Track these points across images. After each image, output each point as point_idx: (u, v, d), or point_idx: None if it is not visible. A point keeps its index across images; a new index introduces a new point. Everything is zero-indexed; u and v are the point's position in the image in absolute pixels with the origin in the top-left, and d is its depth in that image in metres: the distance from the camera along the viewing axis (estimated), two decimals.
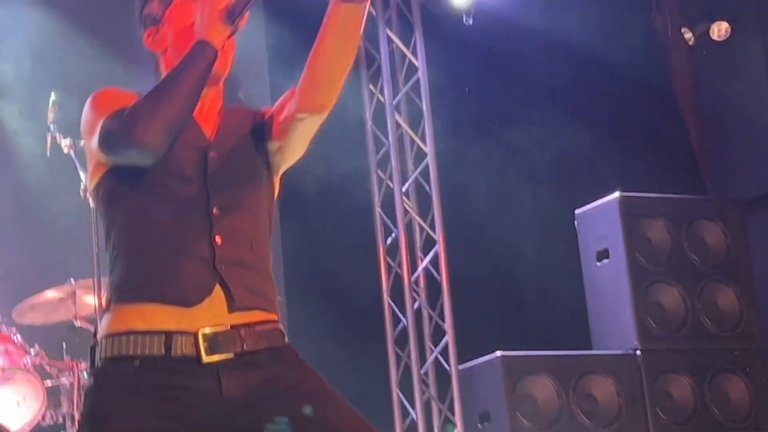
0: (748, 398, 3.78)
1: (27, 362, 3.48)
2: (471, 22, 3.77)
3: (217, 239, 1.32)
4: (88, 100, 1.42)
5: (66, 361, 3.48)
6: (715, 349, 3.79)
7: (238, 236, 1.37)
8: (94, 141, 1.35)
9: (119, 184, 1.37)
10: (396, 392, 3.77)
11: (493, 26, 3.87)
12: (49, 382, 3.48)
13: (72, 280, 3.44)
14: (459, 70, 3.93)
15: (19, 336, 3.48)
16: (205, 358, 1.31)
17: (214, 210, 1.34)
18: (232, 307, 1.32)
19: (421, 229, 3.83)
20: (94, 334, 1.41)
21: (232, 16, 1.35)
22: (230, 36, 1.36)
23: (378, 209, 3.84)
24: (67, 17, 3.73)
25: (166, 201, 1.36)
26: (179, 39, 1.43)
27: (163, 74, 1.47)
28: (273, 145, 1.40)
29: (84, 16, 3.74)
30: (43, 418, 3.46)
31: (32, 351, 3.50)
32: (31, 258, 3.69)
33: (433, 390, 3.77)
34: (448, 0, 3.76)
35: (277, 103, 1.46)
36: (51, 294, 3.52)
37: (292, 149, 1.40)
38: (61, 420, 3.48)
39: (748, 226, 4.06)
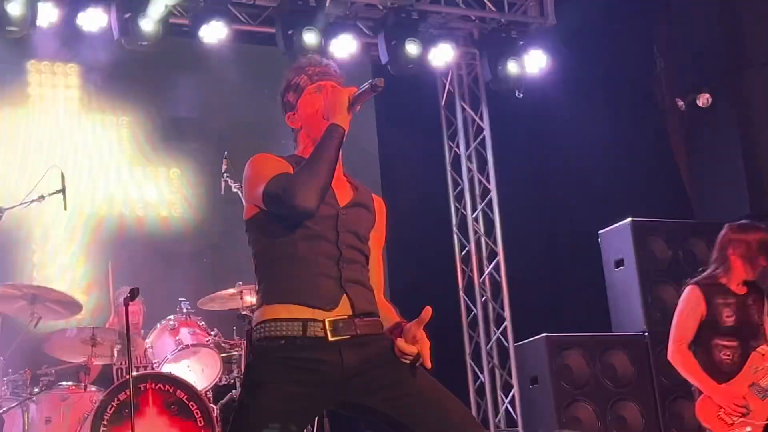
0: None
1: (209, 340, 4.45)
2: (521, 95, 5.07)
3: (343, 265, 1.63)
4: (250, 162, 1.72)
5: (236, 340, 4.47)
6: None
7: (355, 264, 1.68)
8: (257, 193, 1.63)
9: (270, 222, 1.66)
10: (469, 362, 5.06)
11: (536, 99, 5.09)
12: (224, 355, 4.44)
13: (240, 283, 4.56)
14: (513, 131, 5.20)
15: (203, 322, 4.47)
16: (330, 338, 1.58)
17: (341, 246, 1.64)
18: (352, 309, 1.62)
19: (486, 244, 5.12)
20: (250, 323, 1.71)
21: (353, 105, 1.64)
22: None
23: (455, 230, 5.19)
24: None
25: (307, 237, 1.63)
26: (309, 121, 1.74)
27: (300, 145, 1.79)
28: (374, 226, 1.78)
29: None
30: (219, 380, 4.41)
31: (212, 332, 4.48)
32: (209, 267, 4.89)
33: (496, 360, 5.01)
34: (505, 79, 5.05)
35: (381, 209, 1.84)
36: (225, 292, 4.45)
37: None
38: (232, 381, 4.45)
39: None
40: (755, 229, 3.57)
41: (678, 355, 3.41)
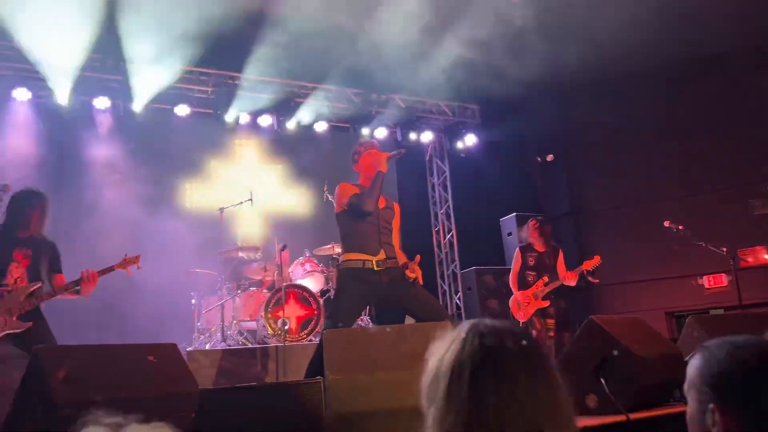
0: None
1: (318, 269, 7.10)
2: (464, 155, 10.19)
3: (381, 235, 3.83)
4: (339, 186, 3.87)
5: (331, 269, 7.20)
6: None
7: (386, 235, 3.84)
8: (344, 201, 3.77)
9: (348, 215, 3.75)
10: (438, 281, 10.04)
11: (470, 156, 10.23)
12: (324, 275, 7.17)
13: (333, 243, 7.34)
14: (461, 172, 10.19)
15: (315, 260, 7.21)
16: (375, 269, 3.66)
17: (380, 226, 3.81)
18: (385, 255, 3.73)
19: (447, 224, 10.25)
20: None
21: (388, 161, 3.85)
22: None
23: (432, 219, 10.19)
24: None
25: (365, 222, 3.76)
26: (365, 169, 3.89)
27: (361, 181, 3.87)
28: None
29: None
30: (322, 288, 7.03)
31: (320, 265, 7.15)
32: (319, 234, 9.49)
33: (451, 279, 10.11)
34: (456, 147, 10.18)
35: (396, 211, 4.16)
36: (326, 246, 7.42)
37: None
38: (327, 288, 7.20)
39: (560, 227, 10.33)
40: (535, 220, 6.54)
41: (512, 277, 6.35)
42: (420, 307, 3.76)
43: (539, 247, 6.41)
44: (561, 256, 6.49)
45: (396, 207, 4.22)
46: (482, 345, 1.00)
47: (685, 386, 1.22)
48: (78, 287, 4.07)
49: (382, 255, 3.85)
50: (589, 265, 6.19)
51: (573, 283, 6.25)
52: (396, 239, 4.10)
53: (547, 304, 6.23)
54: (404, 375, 2.60)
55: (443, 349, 1.04)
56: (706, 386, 1.16)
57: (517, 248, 6.47)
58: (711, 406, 1.14)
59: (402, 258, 4.00)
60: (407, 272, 3.79)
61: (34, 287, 4.04)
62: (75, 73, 7.55)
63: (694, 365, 1.21)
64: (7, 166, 7.32)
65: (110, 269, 4.26)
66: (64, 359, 2.37)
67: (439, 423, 0.99)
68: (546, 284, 6.20)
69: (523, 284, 6.33)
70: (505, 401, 0.94)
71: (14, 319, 3.93)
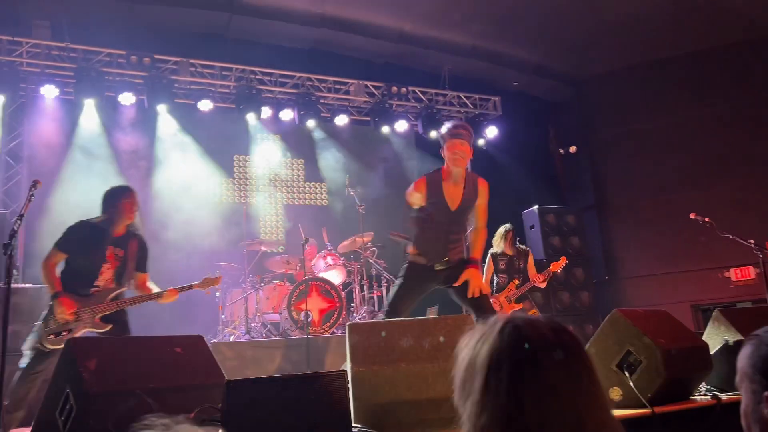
0: None
1: (339, 262, 7.65)
2: (485, 148, 10.16)
3: (450, 236, 4.00)
4: (415, 184, 4.04)
5: (353, 262, 9.21)
6: None
7: (457, 233, 4.01)
8: (411, 208, 4.03)
9: (417, 212, 3.98)
10: None
11: (490, 148, 10.21)
12: (347, 269, 8.94)
13: (356, 236, 9.32)
14: (483, 166, 10.26)
15: (337, 253, 7.82)
16: (437, 269, 3.99)
17: (450, 230, 4.00)
18: (448, 258, 3.99)
19: None
20: (405, 250, 4.11)
21: None
22: None
23: None
24: None
25: (434, 221, 3.94)
26: (447, 158, 3.96)
27: (444, 168, 3.99)
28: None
29: None
30: (344, 281, 7.87)
31: (342, 258, 7.66)
32: (336, 231, 9.67)
33: None
34: (480, 141, 10.14)
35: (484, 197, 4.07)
36: (346, 241, 9.13)
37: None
38: (350, 281, 8.55)
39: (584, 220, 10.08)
40: (505, 229, 6.63)
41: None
42: (467, 299, 3.95)
43: (509, 251, 6.56)
44: (531, 258, 6.63)
45: (480, 187, 4.10)
46: (521, 338, 0.97)
47: (737, 378, 1.20)
48: (158, 299, 4.25)
49: (446, 258, 4.03)
50: (556, 266, 6.37)
51: (543, 285, 6.39)
52: (481, 219, 4.13)
53: (520, 306, 6.37)
54: (427, 367, 2.62)
55: (477, 341, 1.00)
56: (758, 374, 1.13)
57: (489, 255, 6.59)
58: (766, 393, 1.12)
59: (479, 243, 4.11)
60: (462, 275, 3.96)
61: (118, 291, 4.17)
62: (100, 69, 7.65)
63: (744, 355, 1.18)
64: (35, 158, 7.49)
65: (189, 287, 4.43)
66: (95, 350, 2.44)
67: (475, 418, 0.95)
68: (517, 287, 6.35)
69: (497, 288, 6.44)
70: (546, 397, 0.92)
71: (97, 320, 4.05)
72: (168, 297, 4.26)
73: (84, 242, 4.07)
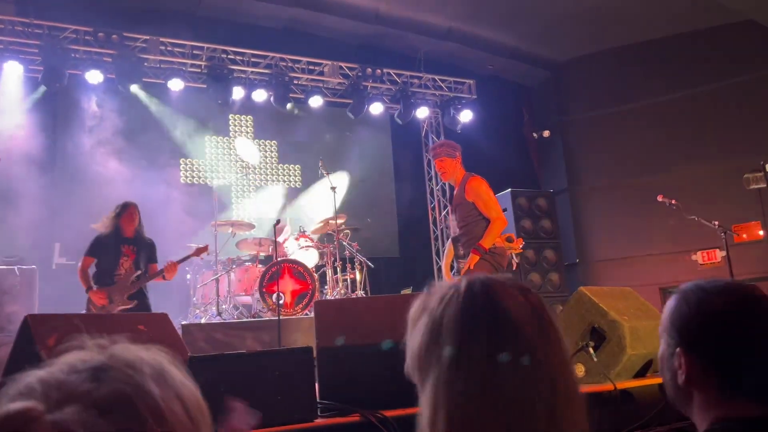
0: None
1: (312, 244, 9.22)
2: (459, 131, 10.18)
3: (458, 232, 4.80)
4: (478, 181, 4.75)
5: (326, 244, 9.44)
6: None
7: (460, 230, 4.76)
8: (493, 213, 4.61)
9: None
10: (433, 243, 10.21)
11: (465, 131, 10.25)
12: (319, 251, 9.31)
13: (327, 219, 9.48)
14: None
15: (309, 236, 9.34)
16: (458, 261, 4.87)
17: (457, 225, 4.79)
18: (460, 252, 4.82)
19: (442, 200, 10.31)
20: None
21: None
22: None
23: (427, 194, 10.30)
24: None
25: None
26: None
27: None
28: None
29: None
30: (317, 263, 9.25)
31: (315, 240, 9.27)
32: (310, 209, 9.73)
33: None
34: (451, 122, 10.18)
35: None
36: (316, 226, 9.47)
37: None
38: (322, 263, 9.28)
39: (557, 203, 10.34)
40: None
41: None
42: None
43: None
44: None
45: (467, 186, 4.67)
46: (494, 297, 0.89)
47: (660, 327, 1.24)
48: (164, 274, 5.47)
49: (460, 252, 4.77)
50: (513, 248, 6.42)
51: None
52: (485, 212, 4.62)
53: None
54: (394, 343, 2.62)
55: (438, 305, 0.90)
56: (674, 330, 1.18)
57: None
58: (678, 350, 1.17)
59: (486, 232, 4.55)
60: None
61: (137, 274, 5.44)
62: (66, 46, 7.46)
63: (668, 307, 1.22)
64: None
65: (186, 258, 5.84)
66: (53, 328, 2.39)
67: (446, 389, 0.86)
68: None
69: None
70: (523, 361, 0.85)
71: (125, 298, 5.33)
72: (170, 270, 5.46)
73: (104, 246, 5.45)
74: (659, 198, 6.02)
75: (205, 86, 8.47)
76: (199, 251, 5.90)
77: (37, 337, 2.27)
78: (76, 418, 0.56)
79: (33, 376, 0.61)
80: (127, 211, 5.58)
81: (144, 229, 5.67)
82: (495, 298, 0.89)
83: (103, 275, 5.43)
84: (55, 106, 8.02)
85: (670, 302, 1.22)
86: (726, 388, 1.10)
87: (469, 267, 4.58)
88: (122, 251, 5.48)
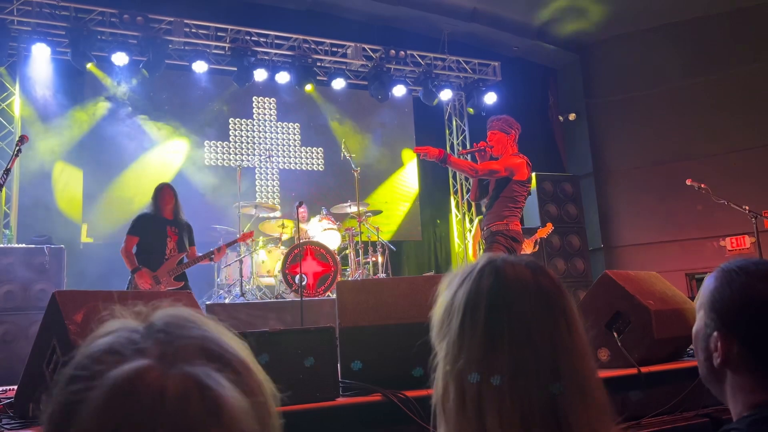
0: None
1: (335, 226, 9.18)
2: (484, 113, 10.07)
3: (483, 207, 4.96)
4: (518, 156, 4.65)
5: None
6: None
7: (486, 207, 4.81)
8: (501, 165, 4.62)
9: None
10: (454, 224, 10.18)
11: (489, 115, 10.13)
12: (342, 233, 9.31)
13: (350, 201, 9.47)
14: (478, 129, 10.21)
15: (332, 217, 9.23)
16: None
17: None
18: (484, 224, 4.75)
19: (465, 187, 10.24)
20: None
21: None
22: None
23: (450, 179, 10.23)
24: None
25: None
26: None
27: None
28: None
29: None
30: (339, 244, 9.25)
31: (337, 223, 9.19)
32: (334, 196, 9.76)
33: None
34: (475, 105, 10.07)
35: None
36: (338, 206, 9.47)
37: None
38: (345, 245, 9.35)
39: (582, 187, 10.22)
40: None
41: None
42: None
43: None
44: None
45: (503, 158, 4.60)
46: (500, 280, 0.94)
47: (696, 302, 1.21)
48: (212, 257, 5.74)
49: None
50: (542, 232, 6.36)
51: (530, 250, 6.40)
52: (500, 163, 4.56)
53: None
54: (416, 324, 2.62)
55: (457, 282, 0.98)
56: (714, 312, 1.15)
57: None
58: (715, 333, 1.14)
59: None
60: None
61: (182, 256, 5.61)
62: (92, 28, 7.52)
63: (708, 286, 1.19)
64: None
65: (234, 242, 6.18)
66: (81, 303, 2.43)
67: (451, 360, 0.93)
68: None
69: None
70: (520, 342, 0.89)
71: (172, 279, 5.48)
72: (219, 254, 5.77)
73: (149, 226, 5.49)
74: (688, 182, 5.90)
75: (228, 68, 8.48)
76: (244, 237, 6.18)
77: (66, 313, 2.31)
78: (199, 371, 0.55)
79: (115, 337, 0.59)
80: (162, 192, 5.63)
81: (182, 211, 5.72)
82: (501, 278, 0.94)
83: (150, 256, 5.42)
84: (83, 87, 8.10)
85: (711, 281, 1.18)
86: (766, 375, 1.10)
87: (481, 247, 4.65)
88: (167, 232, 5.55)
